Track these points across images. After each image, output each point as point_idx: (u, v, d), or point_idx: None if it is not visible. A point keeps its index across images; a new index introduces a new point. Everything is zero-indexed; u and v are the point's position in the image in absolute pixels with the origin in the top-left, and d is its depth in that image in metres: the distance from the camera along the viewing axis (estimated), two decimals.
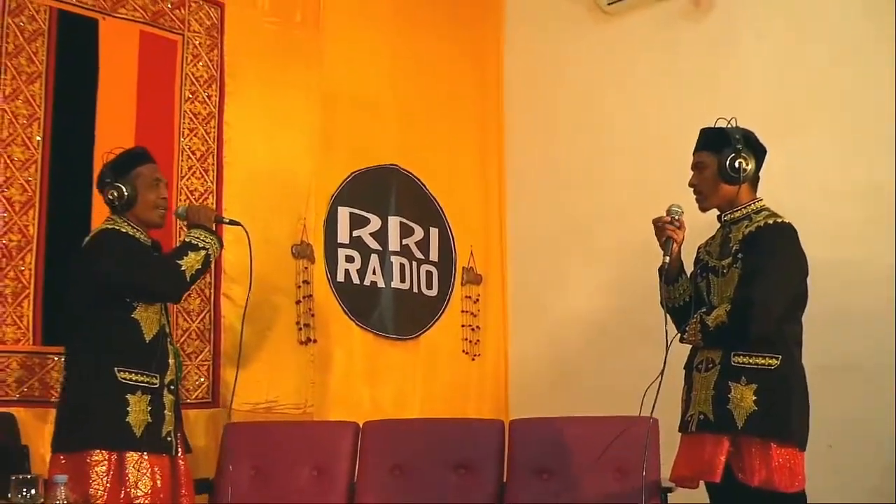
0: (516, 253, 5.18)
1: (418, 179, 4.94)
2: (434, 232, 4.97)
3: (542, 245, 5.04)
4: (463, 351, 5.00)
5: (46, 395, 3.52)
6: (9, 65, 3.61)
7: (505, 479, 3.39)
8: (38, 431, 3.46)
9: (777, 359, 2.70)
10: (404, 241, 4.80)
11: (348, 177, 4.64)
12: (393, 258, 4.73)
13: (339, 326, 4.50)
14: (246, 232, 3.43)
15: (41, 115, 3.67)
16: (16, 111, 3.62)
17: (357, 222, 4.64)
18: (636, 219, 4.56)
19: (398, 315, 4.72)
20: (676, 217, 2.98)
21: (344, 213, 4.59)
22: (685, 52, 4.52)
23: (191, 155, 4.08)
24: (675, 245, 2.96)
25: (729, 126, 2.94)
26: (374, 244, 4.68)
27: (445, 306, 4.96)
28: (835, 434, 3.55)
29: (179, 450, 3.11)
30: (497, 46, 5.33)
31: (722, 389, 2.72)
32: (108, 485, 2.80)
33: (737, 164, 2.85)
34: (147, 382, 3.00)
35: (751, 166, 2.87)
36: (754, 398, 2.66)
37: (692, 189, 2.99)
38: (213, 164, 4.14)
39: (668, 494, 3.09)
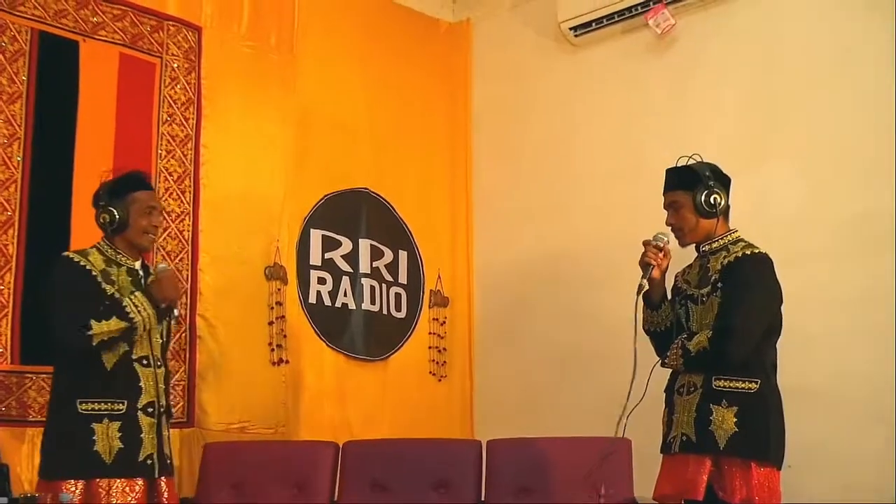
0: (482, 277, 5.27)
1: (388, 203, 5.03)
2: (403, 255, 5.06)
3: (508, 270, 5.14)
4: (430, 372, 5.08)
5: (24, 414, 3.54)
6: None
7: (483, 498, 3.48)
8: (16, 451, 3.48)
9: (756, 383, 2.84)
10: (374, 264, 4.88)
11: (321, 199, 4.71)
12: (364, 280, 4.81)
13: (311, 347, 4.55)
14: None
15: (21, 135, 3.70)
16: None
17: (329, 244, 4.71)
18: (603, 247, 4.75)
19: (368, 336, 4.79)
20: (661, 244, 3.10)
21: (316, 236, 4.66)
22: (650, 84, 4.66)
23: (168, 177, 4.12)
24: (655, 270, 3.09)
25: (695, 162, 3.07)
26: (345, 266, 4.75)
27: (414, 328, 5.04)
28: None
29: (163, 472, 3.10)
30: (465, 76, 5.45)
31: (704, 412, 2.84)
32: None
33: (712, 200, 3.00)
34: (112, 410, 3.01)
35: (723, 199, 3.02)
36: (735, 420, 2.80)
37: (670, 227, 3.11)
38: (189, 186, 4.18)
39: None
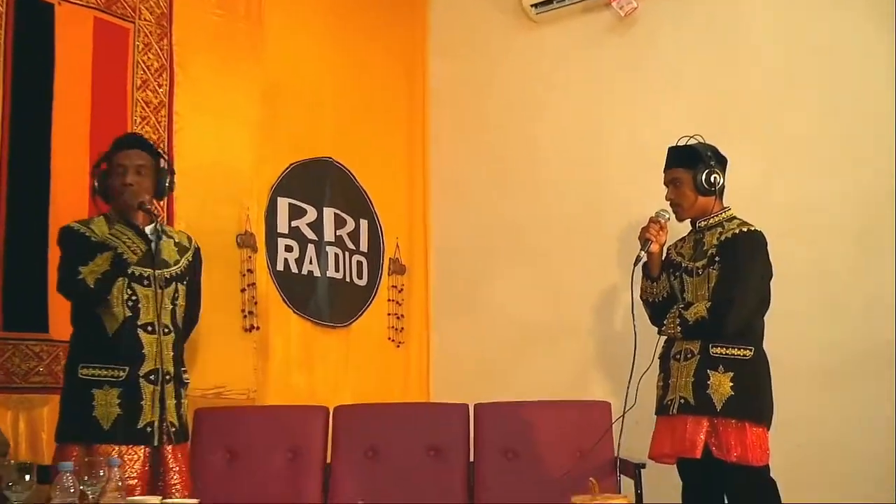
0: (439, 246, 5.41)
1: (350, 172, 5.10)
2: (364, 223, 5.15)
3: (466, 240, 5.29)
4: (389, 338, 5.21)
5: (9, 381, 3.51)
6: None
7: (472, 459, 3.63)
8: (2, 417, 3.46)
9: (750, 350, 3.09)
10: (338, 232, 4.96)
11: (287, 168, 4.75)
12: (328, 248, 4.89)
13: (279, 314, 4.61)
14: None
15: (0, 101, 3.65)
16: None
17: (295, 213, 4.76)
18: (560, 221, 4.94)
19: (333, 303, 4.88)
20: (662, 220, 3.30)
21: (283, 204, 4.71)
22: (609, 62, 4.85)
23: None
24: (654, 244, 3.29)
25: (697, 143, 3.27)
26: (310, 234, 4.82)
27: (374, 295, 5.15)
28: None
29: (164, 438, 3.13)
30: (422, 48, 5.54)
31: (701, 376, 3.08)
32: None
33: (712, 179, 3.22)
34: (112, 376, 3.05)
35: (721, 179, 3.24)
36: (731, 384, 3.04)
37: (669, 202, 3.31)
38: (164, 152, 4.16)
39: (641, 471, 3.40)
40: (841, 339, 4.04)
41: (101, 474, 2.21)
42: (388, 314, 5.22)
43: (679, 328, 3.16)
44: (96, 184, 3.22)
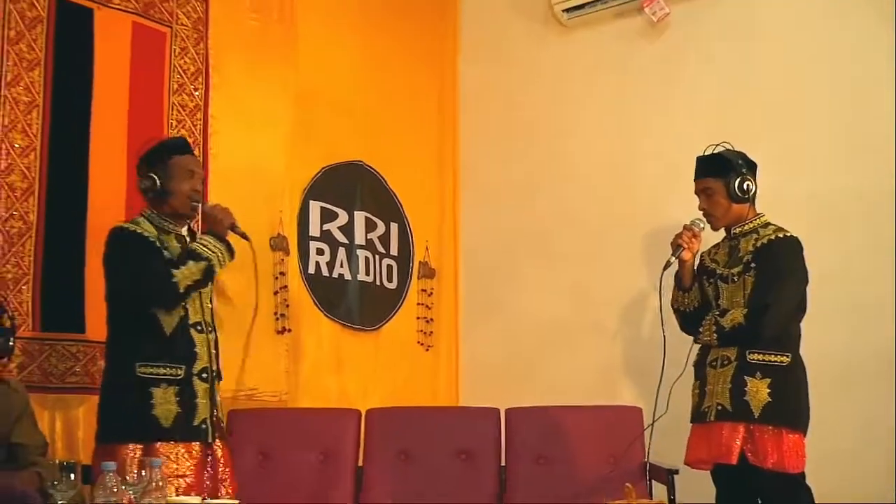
0: (469, 250, 5.42)
1: (381, 176, 5.13)
2: (394, 227, 5.17)
3: (495, 244, 5.30)
4: (418, 342, 5.22)
5: (45, 381, 3.56)
6: (10, 51, 3.63)
7: (503, 464, 3.65)
8: (39, 416, 3.50)
9: (788, 356, 3.09)
10: (369, 236, 4.99)
11: (319, 172, 4.79)
12: (359, 251, 4.91)
13: (310, 317, 4.64)
14: (252, 248, 3.52)
15: (40, 103, 3.70)
16: (17, 98, 3.63)
17: (327, 216, 4.79)
18: (589, 224, 4.95)
19: (363, 307, 4.90)
20: (697, 230, 3.31)
21: (315, 207, 4.74)
22: (640, 68, 4.85)
23: None
24: (686, 252, 3.30)
25: (726, 150, 3.27)
26: (341, 238, 4.85)
27: (403, 299, 5.17)
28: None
29: (217, 434, 3.19)
30: (453, 52, 5.56)
31: (738, 383, 3.08)
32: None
33: (745, 186, 3.22)
34: (170, 374, 3.09)
35: (754, 185, 3.23)
36: (768, 391, 3.04)
37: (702, 212, 3.31)
38: (199, 156, 4.20)
39: (675, 477, 3.40)
40: (849, 343, 4.04)
41: (143, 474, 2.23)
42: (418, 318, 5.24)
43: (716, 335, 3.16)
44: (158, 182, 3.19)
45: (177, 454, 3.03)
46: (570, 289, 5.01)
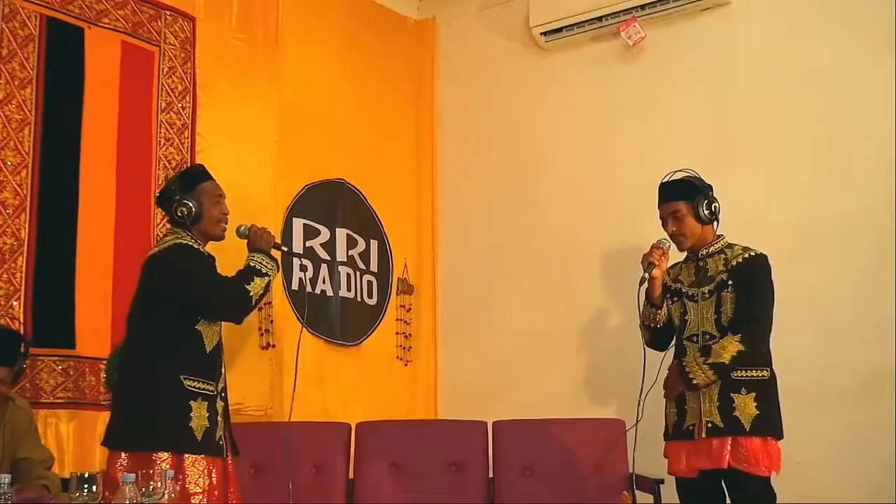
0: (447, 266, 5.50)
1: (362, 193, 5.21)
2: (374, 244, 5.25)
3: (473, 260, 5.39)
4: (397, 357, 5.30)
5: (36, 396, 3.59)
6: (3, 69, 3.68)
7: (491, 475, 3.73)
8: None
9: (767, 370, 3.26)
10: (350, 252, 5.06)
11: (302, 189, 4.86)
12: (341, 268, 4.98)
13: (293, 333, 4.68)
14: (301, 260, 3.59)
15: (32, 120, 3.74)
16: (9, 115, 3.68)
17: (309, 233, 4.86)
18: (567, 242, 5.06)
19: (344, 322, 4.97)
20: (664, 248, 3.46)
21: (298, 224, 4.81)
22: (616, 90, 4.97)
23: (167, 164, 4.20)
24: (656, 269, 3.43)
25: (688, 175, 3.41)
26: (323, 254, 4.92)
27: (383, 315, 5.25)
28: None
29: (228, 453, 3.27)
30: (431, 72, 5.66)
31: (725, 400, 3.22)
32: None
33: (713, 207, 3.37)
34: (206, 390, 3.16)
35: (719, 206, 3.39)
36: (755, 404, 3.17)
37: (670, 235, 3.45)
38: None
39: (661, 486, 3.51)
40: (841, 362, 4.15)
41: (159, 485, 2.28)
42: (397, 333, 5.32)
43: (713, 373, 3.24)
44: (192, 207, 3.27)
45: (202, 468, 3.08)
46: (547, 304, 5.10)
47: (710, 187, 3.49)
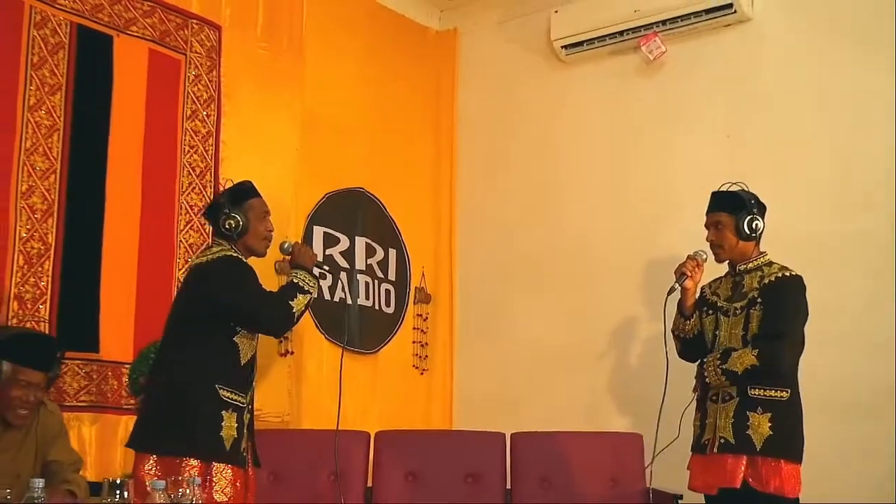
0: (464, 276, 5.54)
1: (381, 203, 5.25)
2: (392, 253, 5.29)
3: (490, 270, 5.42)
4: (413, 366, 5.34)
5: (60, 399, 3.62)
6: (33, 76, 3.72)
7: (509, 486, 3.75)
8: None
9: (787, 392, 3.27)
10: (368, 261, 5.10)
11: (323, 197, 4.90)
12: (359, 276, 5.02)
13: (312, 340, 4.74)
14: (322, 268, 3.64)
15: (61, 126, 3.79)
16: (39, 121, 3.73)
17: (329, 241, 4.90)
18: (585, 253, 5.09)
19: (362, 330, 5.01)
20: (700, 260, 3.48)
21: (319, 232, 4.85)
22: (636, 104, 5.00)
23: (191, 171, 4.25)
24: (689, 280, 3.46)
25: (741, 190, 3.43)
26: (343, 262, 4.96)
27: (400, 323, 5.28)
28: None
29: (249, 463, 3.30)
30: (451, 83, 5.71)
31: (740, 417, 3.24)
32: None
33: (754, 225, 3.38)
34: (238, 401, 3.20)
35: (762, 225, 3.40)
36: (769, 424, 3.20)
37: (710, 244, 3.47)
38: (210, 181, 4.32)
39: (679, 502, 3.53)
40: (851, 377, 4.16)
41: (188, 492, 2.31)
42: (413, 342, 5.35)
43: (724, 379, 3.28)
44: (240, 221, 3.33)
45: (228, 477, 3.11)
46: (565, 316, 5.13)
47: (761, 207, 3.49)
